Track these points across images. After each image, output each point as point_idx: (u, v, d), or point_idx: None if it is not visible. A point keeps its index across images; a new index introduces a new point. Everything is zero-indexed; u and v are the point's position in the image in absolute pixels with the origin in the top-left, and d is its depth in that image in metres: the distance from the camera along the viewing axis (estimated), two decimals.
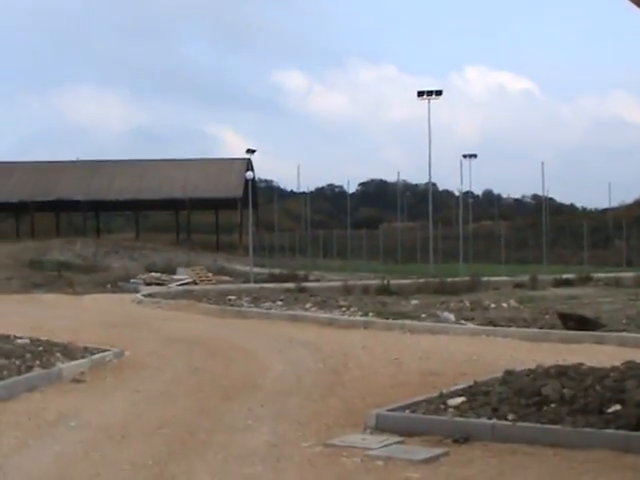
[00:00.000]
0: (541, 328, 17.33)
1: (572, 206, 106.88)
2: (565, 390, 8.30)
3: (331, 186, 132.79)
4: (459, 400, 8.59)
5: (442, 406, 8.52)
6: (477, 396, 8.74)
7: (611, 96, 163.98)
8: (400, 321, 18.29)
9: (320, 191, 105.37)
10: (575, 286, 34.81)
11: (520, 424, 7.64)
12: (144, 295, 28.16)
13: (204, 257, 60.00)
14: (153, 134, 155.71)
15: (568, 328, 15.88)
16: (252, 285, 33.56)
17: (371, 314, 19.92)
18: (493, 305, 22.20)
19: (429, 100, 50.73)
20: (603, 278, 40.03)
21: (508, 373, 9.72)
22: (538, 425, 7.57)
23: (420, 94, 50.86)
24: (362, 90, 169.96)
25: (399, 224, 61.72)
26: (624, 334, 15.52)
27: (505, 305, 22.33)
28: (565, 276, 36.46)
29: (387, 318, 18.90)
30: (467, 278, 31.09)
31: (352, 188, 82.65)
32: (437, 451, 7.21)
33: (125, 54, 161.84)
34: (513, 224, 70.45)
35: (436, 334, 16.79)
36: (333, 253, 63.05)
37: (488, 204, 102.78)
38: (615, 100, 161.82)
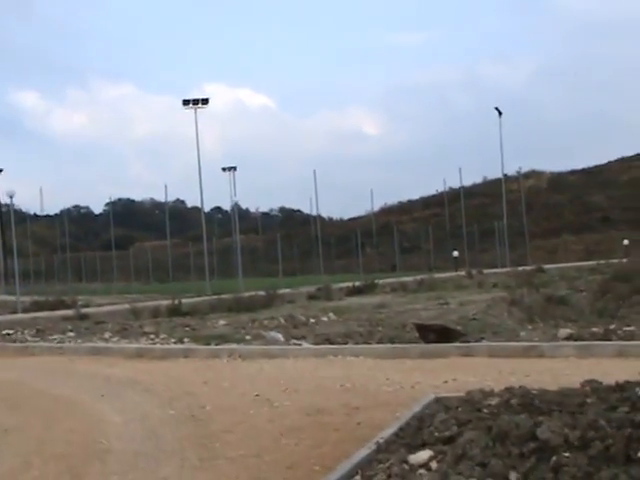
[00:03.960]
0: (380, 342, 15.58)
1: (320, 217, 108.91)
2: (567, 430, 6.20)
3: (77, 207, 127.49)
4: (425, 456, 6.27)
5: (405, 466, 6.17)
6: (438, 446, 6.49)
7: (349, 110, 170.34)
8: (226, 346, 15.74)
9: (66, 213, 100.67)
10: (367, 294, 33.71)
11: None
12: None
13: None
14: None
15: (427, 341, 14.01)
16: (22, 315, 29.65)
17: (186, 340, 17.22)
18: (313, 320, 20.13)
19: (195, 110, 48.17)
20: (387, 284, 39.57)
21: (447, 408, 7.58)
22: None
23: (186, 103, 48.19)
24: (103, 109, 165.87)
25: (168, 242, 58.99)
26: (490, 343, 13.90)
27: (325, 319, 20.33)
28: (357, 284, 35.46)
29: (208, 344, 16.28)
30: (262, 293, 28.93)
31: (100, 209, 79.08)
32: None
33: None
34: (265, 237, 70.10)
35: (276, 358, 14.41)
36: (97, 277, 59.21)
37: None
38: (352, 114, 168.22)
